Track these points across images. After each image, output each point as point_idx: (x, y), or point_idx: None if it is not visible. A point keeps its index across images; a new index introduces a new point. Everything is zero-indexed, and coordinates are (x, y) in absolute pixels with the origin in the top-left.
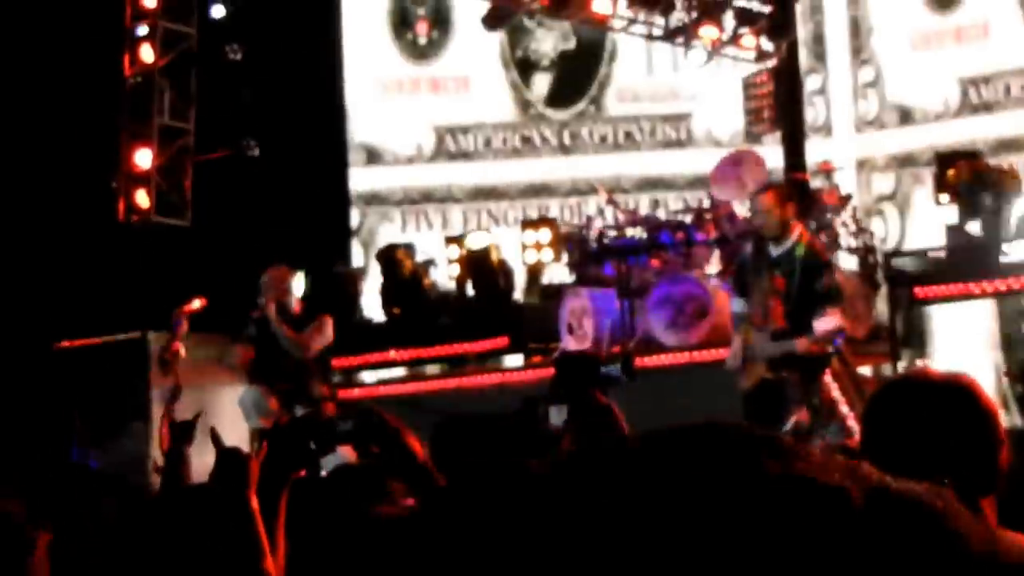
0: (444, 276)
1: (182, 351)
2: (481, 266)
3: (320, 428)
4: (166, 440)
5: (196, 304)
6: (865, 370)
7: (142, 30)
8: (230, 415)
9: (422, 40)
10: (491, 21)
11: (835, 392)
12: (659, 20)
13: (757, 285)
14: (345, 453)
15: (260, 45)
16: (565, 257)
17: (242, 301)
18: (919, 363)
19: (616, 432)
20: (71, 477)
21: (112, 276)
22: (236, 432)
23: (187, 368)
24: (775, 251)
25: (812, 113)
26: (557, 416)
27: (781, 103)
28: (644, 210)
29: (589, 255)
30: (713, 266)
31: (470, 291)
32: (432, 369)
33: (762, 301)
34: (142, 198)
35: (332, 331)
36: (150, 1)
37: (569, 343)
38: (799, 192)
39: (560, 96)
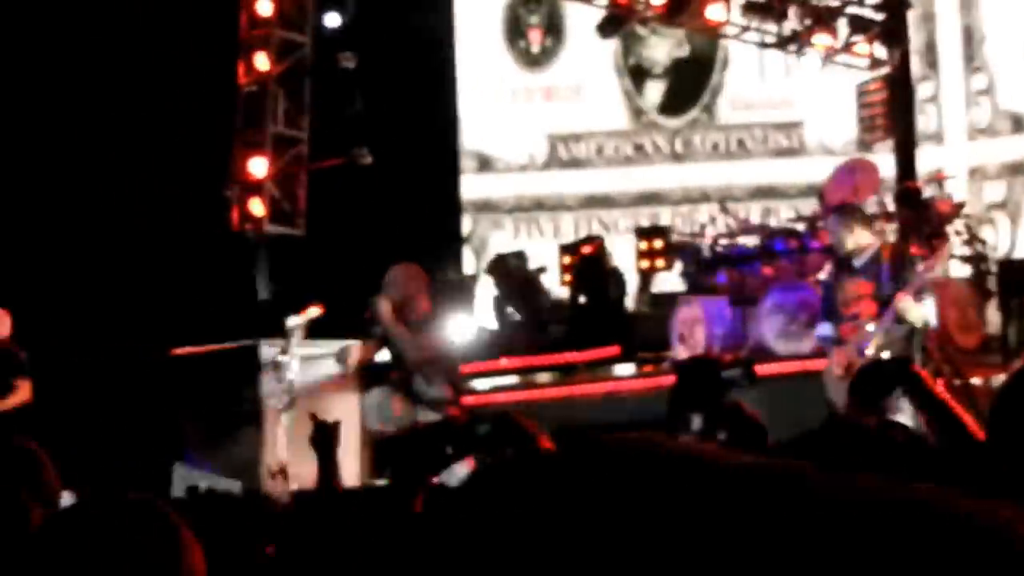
0: (556, 284)
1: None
2: (592, 274)
3: (457, 433)
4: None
5: (313, 312)
6: (976, 381)
7: (257, 39)
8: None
9: (535, 48)
10: (605, 28)
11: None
12: (772, 28)
13: (842, 300)
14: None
15: (373, 53)
16: (678, 265)
17: (355, 309)
18: None
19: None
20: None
21: (226, 284)
22: (347, 437)
23: (304, 373)
24: (858, 262)
25: (924, 121)
26: (697, 423)
27: (894, 111)
28: (755, 219)
29: (702, 263)
30: (826, 274)
31: (582, 299)
32: (543, 377)
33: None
34: (256, 206)
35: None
36: (265, 10)
37: (680, 352)
38: (911, 201)
39: (673, 104)
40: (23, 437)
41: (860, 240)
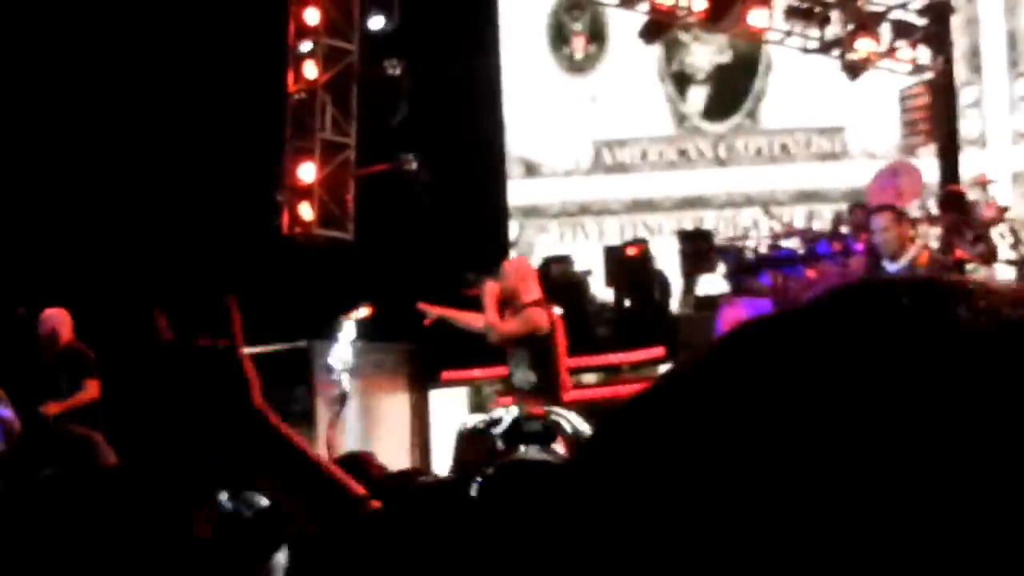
0: (601, 286)
1: (349, 358)
2: (637, 277)
3: (507, 428)
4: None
5: (363, 312)
6: None
7: (305, 47)
8: (393, 421)
9: (579, 55)
10: (648, 34)
11: None
12: (815, 33)
13: None
14: None
15: (419, 60)
16: (721, 268)
17: (404, 312)
18: None
19: None
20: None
21: (277, 287)
22: (398, 437)
23: (353, 375)
24: (891, 267)
25: (967, 126)
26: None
27: (937, 116)
28: (799, 222)
29: (746, 266)
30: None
31: (627, 302)
32: (588, 378)
33: None
34: (306, 211)
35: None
36: (313, 19)
37: None
38: (956, 204)
39: (715, 109)
40: (83, 427)
41: (900, 242)
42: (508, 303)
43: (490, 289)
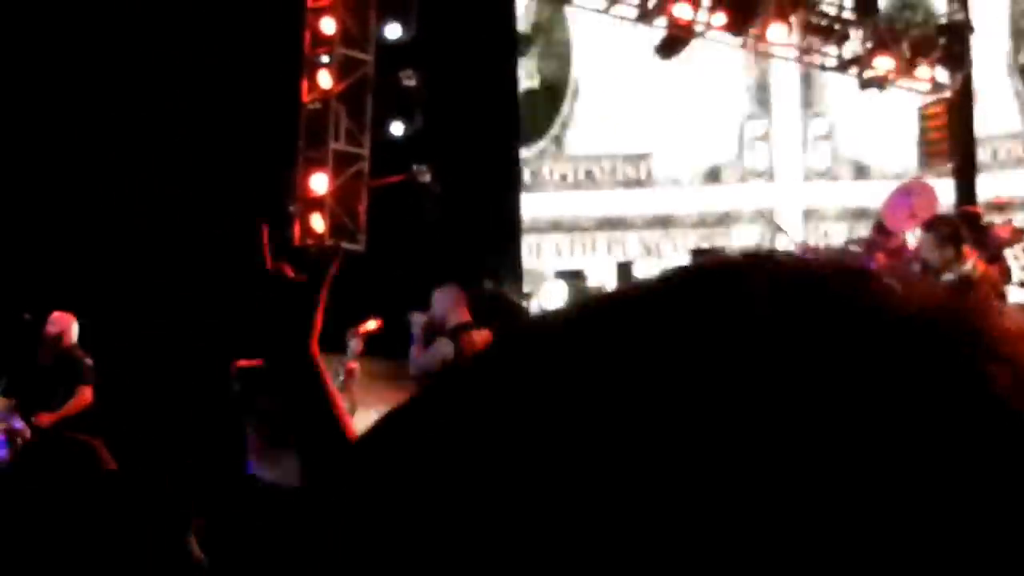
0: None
1: (357, 371)
2: None
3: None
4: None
5: (371, 325)
6: None
7: (321, 57)
8: None
9: None
10: (666, 49)
11: None
12: (833, 50)
13: None
14: None
15: (435, 71)
16: None
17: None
18: None
19: None
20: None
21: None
22: None
23: (362, 388)
24: (947, 276)
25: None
26: None
27: (954, 135)
28: (812, 241)
29: None
30: None
31: None
32: None
33: None
34: (317, 222)
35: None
36: (329, 29)
37: None
38: (971, 225)
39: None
40: (82, 433)
41: (949, 257)
42: (438, 329)
43: (418, 319)
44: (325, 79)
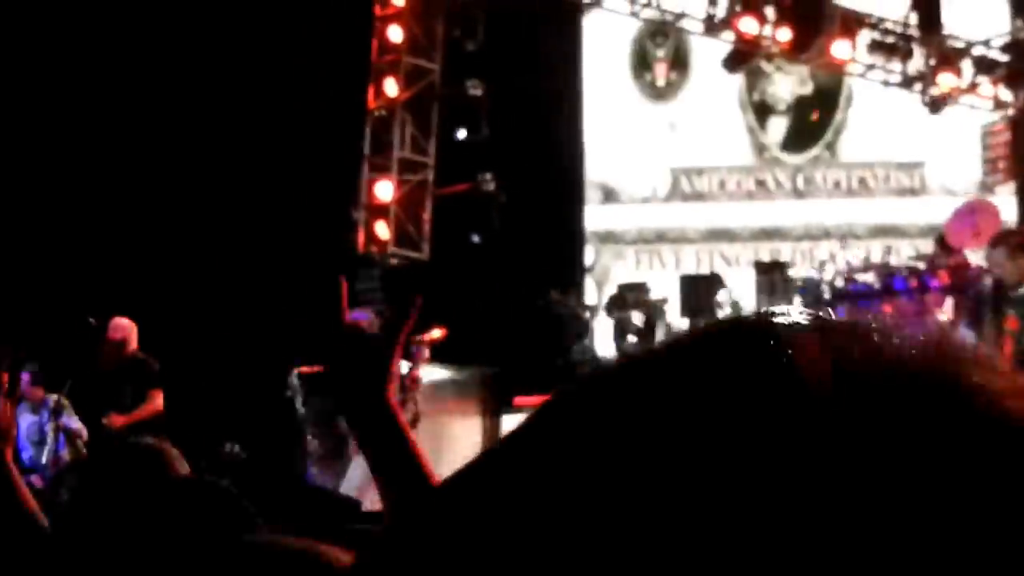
0: (676, 315)
1: (422, 379)
2: (712, 307)
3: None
4: None
5: (436, 333)
6: None
7: (388, 65)
8: (464, 445)
9: (660, 81)
10: (731, 63)
11: None
12: (897, 67)
13: (991, 322)
14: None
15: (501, 81)
16: (797, 300)
17: (478, 333)
18: None
19: None
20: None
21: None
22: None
23: (426, 396)
24: (1015, 292)
25: None
26: None
27: (1017, 153)
28: (875, 257)
29: (821, 299)
30: (945, 313)
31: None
32: None
33: (993, 339)
34: (382, 229)
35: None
36: (396, 36)
37: None
38: None
39: (795, 141)
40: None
41: (1021, 272)
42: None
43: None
44: (391, 87)
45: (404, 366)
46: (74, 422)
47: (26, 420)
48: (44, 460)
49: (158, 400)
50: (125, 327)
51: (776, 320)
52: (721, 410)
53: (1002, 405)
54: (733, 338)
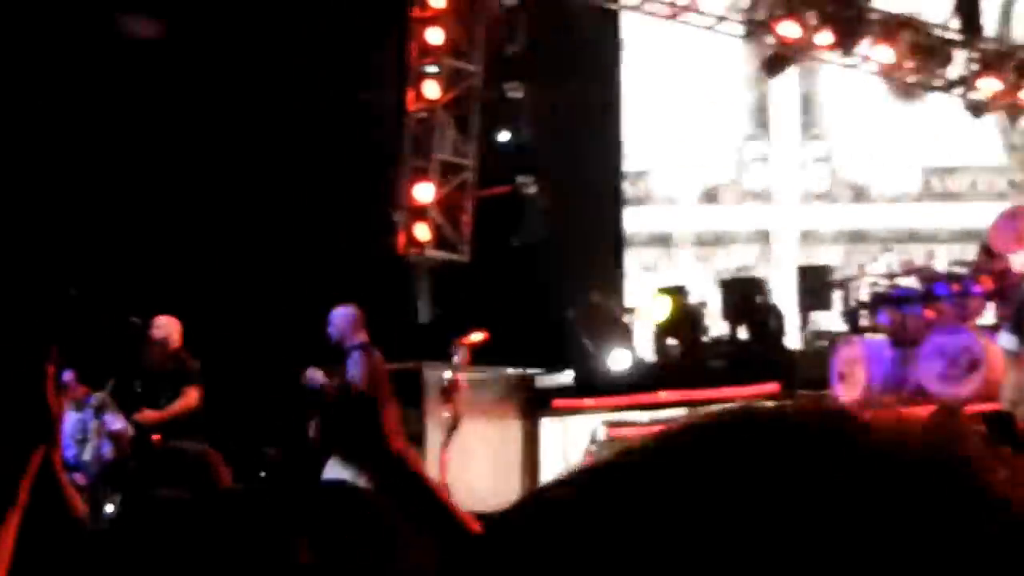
0: (717, 318)
1: (462, 382)
2: (753, 310)
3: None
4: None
5: (476, 337)
6: None
7: (428, 67)
8: (503, 448)
9: None
10: (771, 68)
11: None
12: (938, 71)
13: None
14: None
15: (541, 84)
16: (838, 304)
17: (519, 336)
18: None
19: None
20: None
21: (390, 307)
22: (507, 465)
23: (467, 398)
24: None
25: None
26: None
27: None
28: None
29: (863, 303)
30: (987, 319)
31: (742, 335)
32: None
33: None
34: (422, 231)
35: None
36: (436, 39)
37: (840, 391)
38: None
39: None
40: (196, 441)
41: None
42: (337, 347)
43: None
44: (431, 89)
45: (446, 369)
46: (117, 422)
47: (70, 418)
48: (87, 458)
49: (192, 397)
50: (168, 326)
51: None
52: None
53: None
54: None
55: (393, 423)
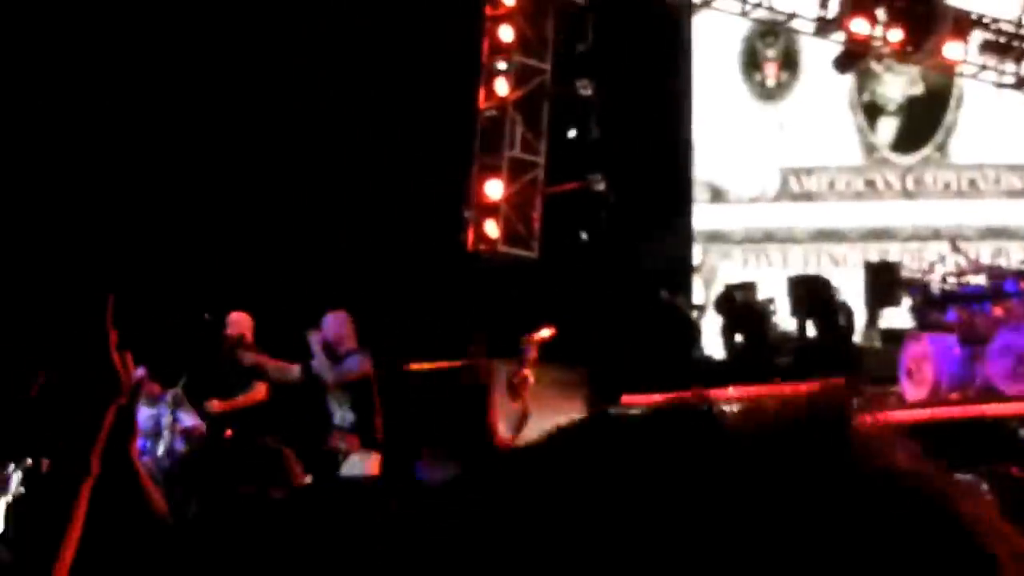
0: (785, 315)
1: (531, 378)
2: (821, 306)
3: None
4: None
5: (545, 332)
6: None
7: (499, 64)
8: None
9: (770, 82)
10: (842, 64)
11: None
12: (1010, 67)
13: None
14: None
15: (611, 81)
16: (907, 301)
17: (587, 332)
18: None
19: None
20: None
21: (459, 303)
22: None
23: (535, 395)
24: None
25: None
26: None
27: None
28: (985, 259)
29: (931, 301)
30: None
31: (810, 331)
32: None
33: None
34: (491, 228)
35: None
36: (507, 36)
37: (908, 388)
38: None
39: (905, 141)
40: (270, 438)
41: None
42: (330, 350)
43: (316, 338)
44: (502, 86)
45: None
46: (190, 418)
47: (143, 413)
48: (160, 453)
49: (260, 390)
50: (241, 322)
51: None
52: None
53: None
54: None
55: (496, 420)
